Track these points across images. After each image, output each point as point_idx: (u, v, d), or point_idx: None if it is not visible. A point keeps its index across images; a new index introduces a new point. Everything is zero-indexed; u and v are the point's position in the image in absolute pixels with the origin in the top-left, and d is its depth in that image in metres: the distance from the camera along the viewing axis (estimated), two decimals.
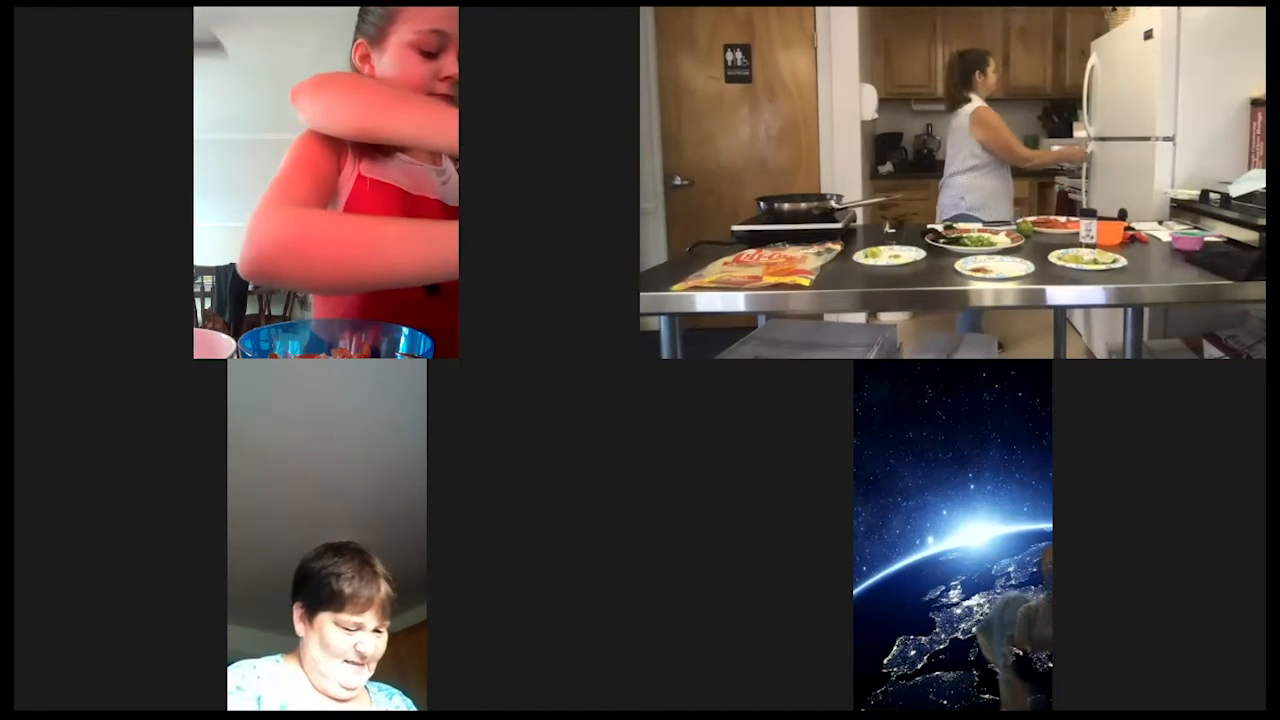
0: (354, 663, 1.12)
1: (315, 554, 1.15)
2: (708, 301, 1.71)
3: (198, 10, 1.41)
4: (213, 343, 1.41)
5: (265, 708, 1.09)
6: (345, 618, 1.11)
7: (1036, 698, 1.37)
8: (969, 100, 3.49)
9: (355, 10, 1.48)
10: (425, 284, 1.29)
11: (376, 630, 1.13)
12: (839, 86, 4.01)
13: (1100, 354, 3.35)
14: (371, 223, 1.31)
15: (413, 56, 1.39)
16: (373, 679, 1.16)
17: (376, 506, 1.50)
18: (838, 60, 3.99)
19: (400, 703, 1.19)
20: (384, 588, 1.14)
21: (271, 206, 1.27)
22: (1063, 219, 2.41)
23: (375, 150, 1.42)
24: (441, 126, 1.31)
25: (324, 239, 1.25)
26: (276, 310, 4.18)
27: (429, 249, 1.26)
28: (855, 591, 1.38)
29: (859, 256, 1.95)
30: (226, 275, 4.19)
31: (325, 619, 1.11)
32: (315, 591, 1.12)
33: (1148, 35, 2.91)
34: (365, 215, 1.35)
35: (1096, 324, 3.46)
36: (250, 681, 1.09)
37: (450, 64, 1.40)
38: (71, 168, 1.36)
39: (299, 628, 1.12)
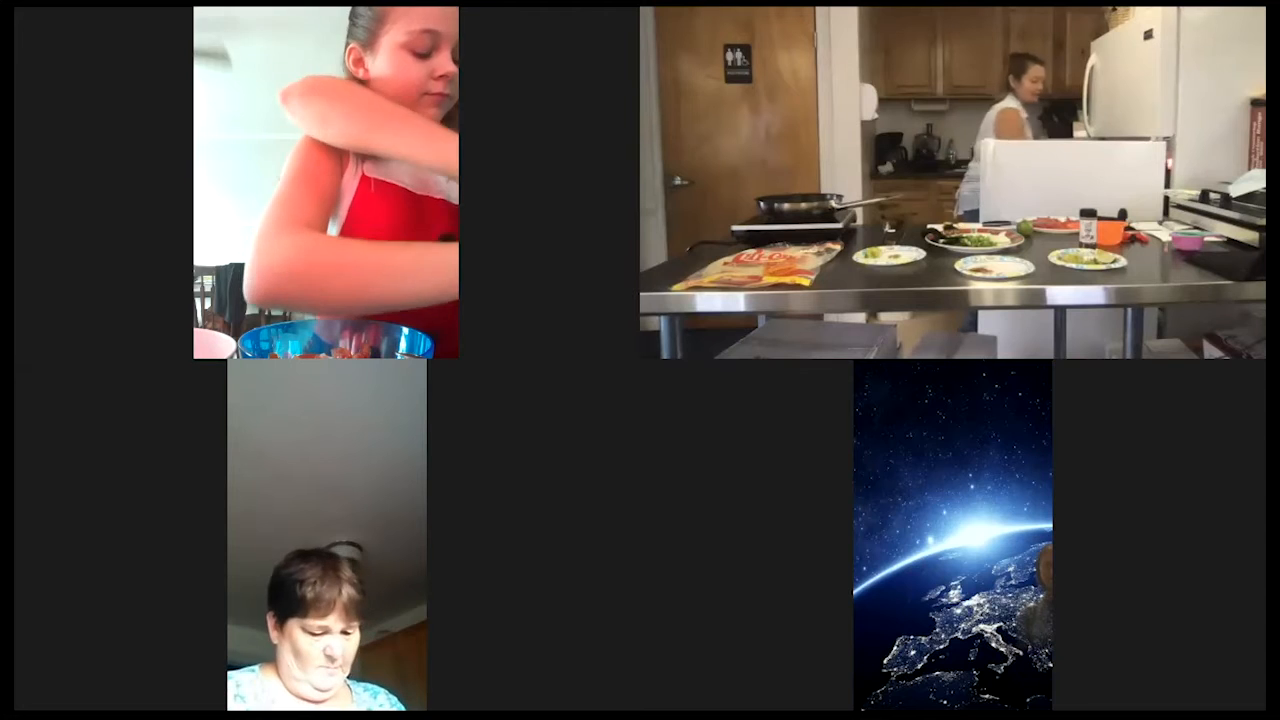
0: (324, 665, 1.13)
1: (285, 562, 1.17)
2: (708, 301, 1.71)
3: (200, 14, 1.40)
4: (213, 343, 1.41)
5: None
6: (311, 622, 1.13)
7: (1036, 698, 1.37)
8: (1004, 99, 3.74)
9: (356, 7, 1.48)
10: (432, 305, 1.30)
11: (344, 632, 1.15)
12: (839, 86, 4.01)
13: (1100, 354, 3.35)
14: (378, 250, 1.31)
15: (406, 58, 1.39)
16: (368, 679, 1.17)
17: (376, 506, 1.50)
18: (838, 60, 3.99)
19: (385, 701, 1.19)
20: (346, 590, 1.15)
21: (276, 230, 1.27)
22: (1063, 219, 2.41)
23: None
24: (434, 147, 1.32)
25: (331, 268, 1.26)
26: (276, 310, 4.17)
27: (436, 274, 1.27)
28: (855, 591, 1.38)
29: (859, 256, 1.95)
30: (226, 275, 4.18)
31: (294, 625, 1.13)
32: (284, 599, 1.14)
33: (1148, 35, 2.91)
34: (372, 241, 1.35)
35: (1096, 324, 3.46)
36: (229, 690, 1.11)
37: (444, 62, 1.39)
38: (72, 167, 1.36)
39: (273, 635, 1.15)
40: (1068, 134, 5.02)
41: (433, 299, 1.28)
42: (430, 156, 1.32)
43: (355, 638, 1.16)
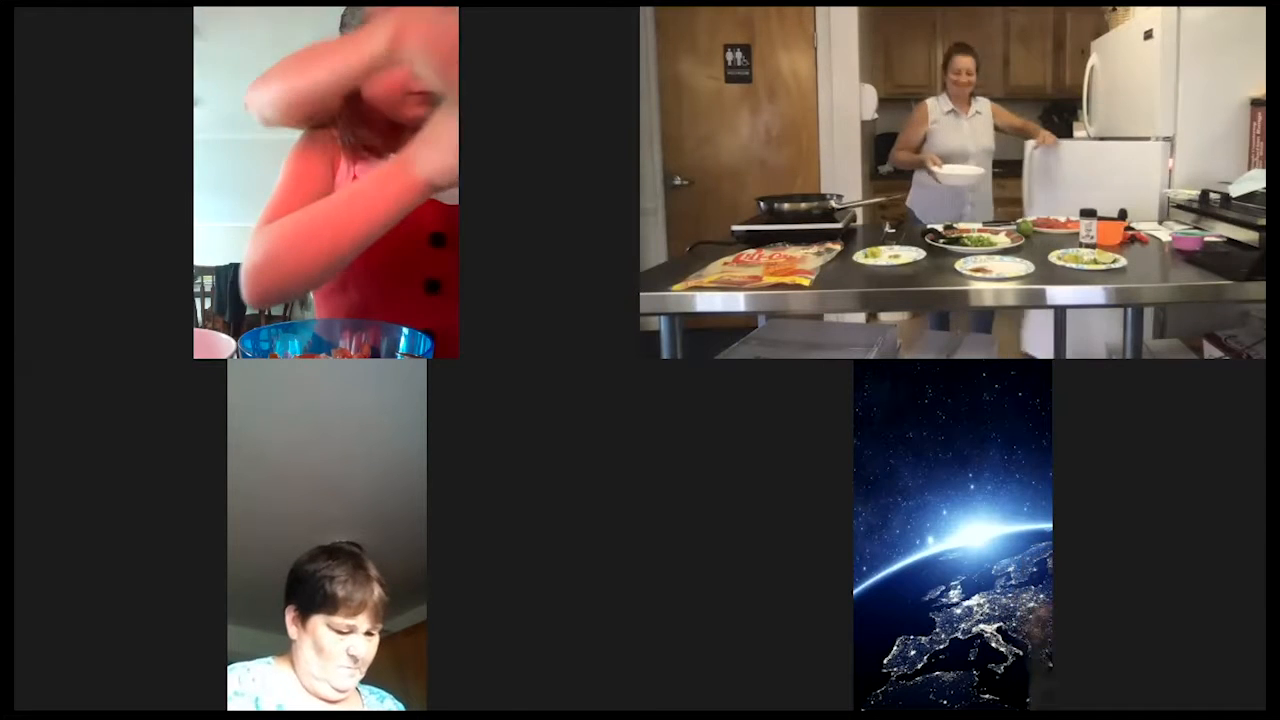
0: (346, 665, 1.12)
1: (309, 556, 1.15)
2: (708, 301, 1.71)
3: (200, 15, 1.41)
4: (213, 343, 1.41)
5: (263, 709, 1.09)
6: (338, 620, 1.11)
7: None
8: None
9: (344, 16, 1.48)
10: (393, 225, 1.30)
11: (369, 633, 1.13)
12: (839, 86, 4.01)
13: (1100, 354, 3.35)
14: (323, 205, 1.32)
15: None
16: (368, 680, 1.16)
17: (376, 506, 1.50)
18: (838, 60, 3.99)
19: (391, 705, 1.19)
20: (377, 590, 1.14)
21: (254, 233, 1.32)
22: (1063, 219, 2.41)
23: (368, 152, 1.42)
24: (339, 62, 1.30)
25: (293, 240, 1.30)
26: (276, 310, 4.18)
27: (380, 195, 1.27)
28: (855, 591, 1.38)
29: (859, 256, 1.95)
30: (226, 275, 4.18)
31: (318, 622, 1.11)
32: (308, 594, 1.12)
33: (1148, 35, 2.91)
34: (317, 202, 1.35)
35: (1096, 324, 3.46)
36: (246, 684, 1.10)
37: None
38: (72, 167, 1.36)
39: (291, 630, 1.12)
40: (1068, 134, 5.03)
41: (394, 216, 1.28)
42: (347, 72, 1.31)
43: (376, 639, 1.14)
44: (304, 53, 1.36)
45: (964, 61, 3.45)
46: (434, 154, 1.26)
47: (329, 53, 1.33)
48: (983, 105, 3.51)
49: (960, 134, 3.46)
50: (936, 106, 3.50)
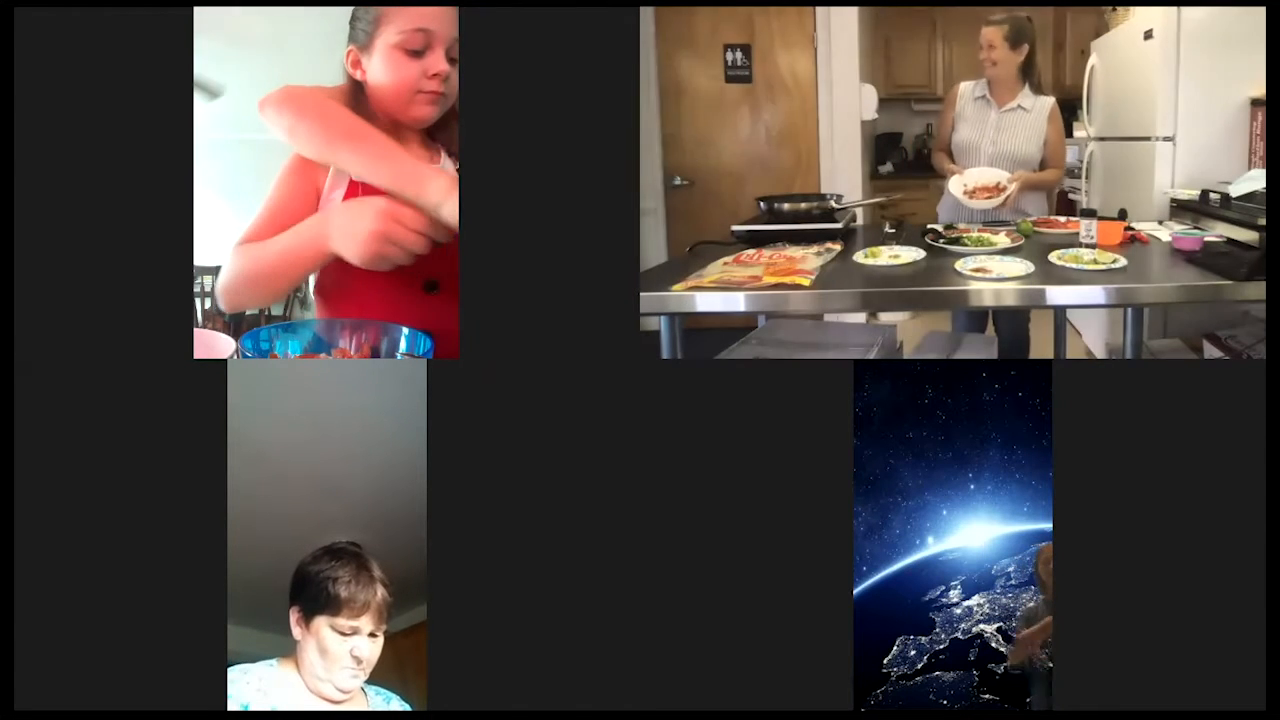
0: (349, 666, 1.12)
1: (313, 558, 1.15)
2: (708, 301, 1.71)
3: (201, 15, 1.41)
4: (213, 343, 1.42)
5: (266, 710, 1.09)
6: (342, 622, 1.11)
7: (1036, 697, 1.37)
8: None
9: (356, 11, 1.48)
10: (329, 260, 1.35)
11: (373, 634, 1.13)
12: (839, 86, 4.00)
13: (1100, 354, 3.35)
14: (280, 242, 1.37)
15: (399, 57, 1.39)
16: (371, 681, 1.16)
17: (376, 506, 1.50)
18: (838, 60, 3.99)
19: (398, 705, 1.19)
20: (380, 592, 1.14)
21: (231, 251, 1.39)
22: (1063, 219, 2.41)
23: None
24: (388, 169, 1.32)
25: (255, 271, 1.37)
26: (276, 310, 4.17)
27: (312, 239, 1.33)
28: (855, 591, 1.38)
29: (859, 256, 1.95)
30: None
31: (322, 623, 1.11)
32: (312, 595, 1.12)
33: (1148, 35, 2.91)
34: (278, 237, 1.38)
35: (1096, 324, 3.46)
36: (240, 688, 1.09)
37: (437, 61, 1.39)
38: (72, 167, 1.36)
39: (296, 631, 1.13)
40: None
41: (327, 253, 1.33)
42: (384, 179, 1.32)
43: (380, 641, 1.15)
44: (336, 132, 1.37)
45: (986, 33, 2.69)
46: (344, 225, 1.30)
47: (359, 155, 1.35)
48: (1036, 104, 2.80)
49: (980, 127, 2.76)
50: (968, 91, 2.80)
